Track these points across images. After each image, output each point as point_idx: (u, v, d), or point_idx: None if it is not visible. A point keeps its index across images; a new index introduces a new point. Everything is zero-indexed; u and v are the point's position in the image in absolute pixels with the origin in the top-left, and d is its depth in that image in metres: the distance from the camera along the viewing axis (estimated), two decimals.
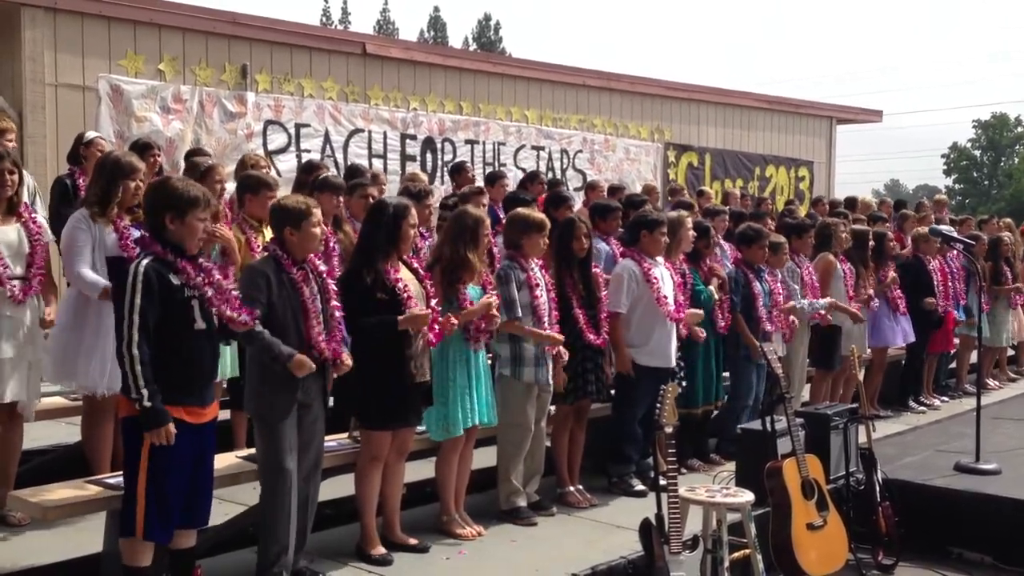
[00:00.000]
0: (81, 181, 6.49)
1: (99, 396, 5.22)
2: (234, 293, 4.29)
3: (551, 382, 5.91)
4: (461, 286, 5.38)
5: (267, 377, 4.55)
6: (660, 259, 6.59)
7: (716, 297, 7.02)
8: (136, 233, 5.18)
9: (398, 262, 5.11)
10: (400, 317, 4.93)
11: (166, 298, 4.02)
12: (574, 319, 6.10)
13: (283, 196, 5.31)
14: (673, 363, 6.56)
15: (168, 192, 4.19)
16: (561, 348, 5.89)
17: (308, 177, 6.89)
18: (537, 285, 5.79)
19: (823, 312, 8.03)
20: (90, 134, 6.81)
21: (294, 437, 4.63)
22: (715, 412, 7.28)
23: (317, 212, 4.73)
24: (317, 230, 4.69)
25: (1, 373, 5.05)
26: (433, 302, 5.15)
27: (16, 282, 5.06)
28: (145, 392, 3.91)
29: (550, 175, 13.96)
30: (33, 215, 5.28)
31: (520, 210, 6.15)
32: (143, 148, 6.96)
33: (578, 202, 10.71)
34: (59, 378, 5.46)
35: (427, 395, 5.22)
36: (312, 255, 4.76)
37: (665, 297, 6.45)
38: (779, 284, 7.68)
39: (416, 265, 5.27)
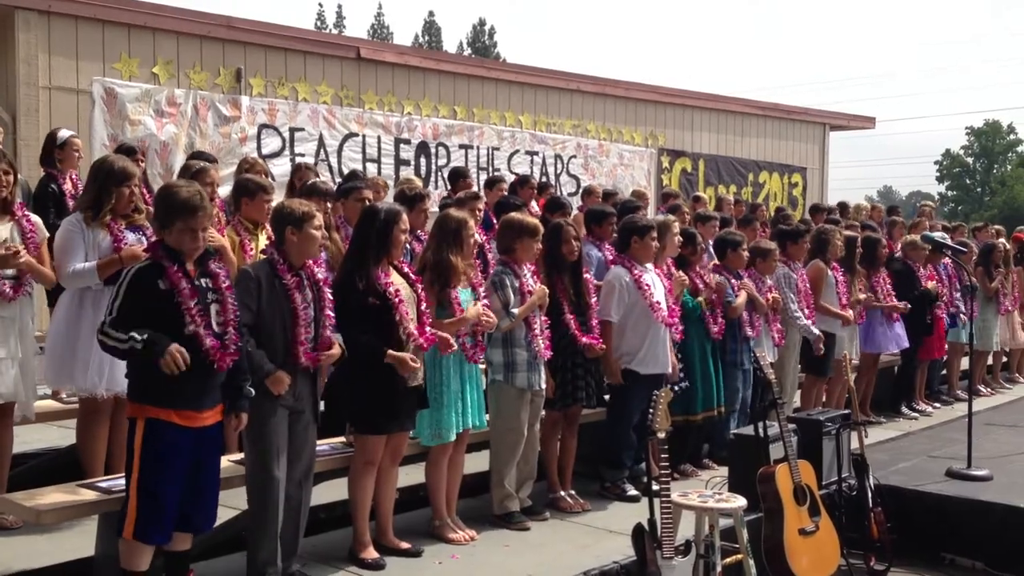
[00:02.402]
0: (62, 183, 6.50)
1: (99, 397, 5.23)
2: (231, 302, 4.30)
3: (543, 387, 5.92)
4: (451, 289, 5.40)
5: (253, 380, 4.55)
6: (650, 265, 6.60)
7: (703, 303, 7.02)
8: (131, 236, 5.21)
9: (389, 267, 5.12)
10: (389, 351, 4.94)
11: (151, 303, 4.03)
12: (565, 324, 6.10)
13: (286, 199, 5.33)
14: (669, 368, 6.55)
15: (159, 199, 4.29)
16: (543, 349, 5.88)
17: (296, 179, 6.87)
18: (529, 292, 5.80)
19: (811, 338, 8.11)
20: (63, 134, 6.80)
21: (283, 443, 4.62)
22: (716, 418, 7.26)
23: (319, 217, 4.76)
24: (318, 233, 4.71)
25: None
26: (423, 306, 5.18)
27: (8, 280, 5.07)
28: (135, 336, 3.92)
29: (544, 180, 13.98)
30: (26, 213, 5.29)
31: (513, 215, 6.15)
32: (127, 153, 6.94)
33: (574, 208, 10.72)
34: (57, 381, 5.46)
35: (421, 399, 5.22)
36: (311, 262, 4.77)
37: (658, 303, 6.45)
38: (765, 290, 7.70)
39: (407, 270, 5.29)
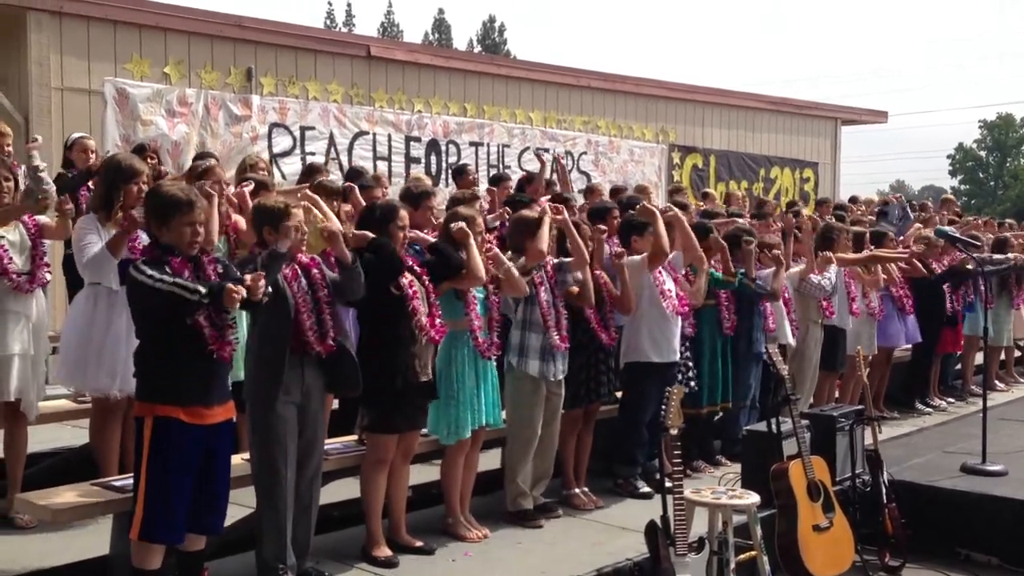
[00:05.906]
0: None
1: (111, 398, 5.24)
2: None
3: (560, 379, 5.90)
4: None
5: (260, 365, 4.56)
6: None
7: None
8: (144, 235, 5.20)
9: None
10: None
11: (161, 290, 3.99)
12: (586, 319, 6.11)
13: (262, 198, 5.26)
14: (676, 357, 6.55)
15: (151, 199, 4.30)
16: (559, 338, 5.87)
17: (308, 180, 6.90)
18: (540, 284, 5.79)
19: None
20: (73, 135, 6.86)
21: (291, 439, 4.60)
22: (719, 414, 7.25)
23: (297, 213, 4.67)
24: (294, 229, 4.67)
25: (7, 369, 5.07)
26: (432, 297, 5.18)
27: (23, 275, 5.15)
28: (200, 289, 3.94)
29: (554, 177, 13.93)
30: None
31: (522, 212, 6.15)
32: (137, 151, 6.97)
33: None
34: (70, 380, 5.47)
35: (430, 392, 5.21)
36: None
37: (669, 291, 6.46)
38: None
39: (411, 263, 5.27)
